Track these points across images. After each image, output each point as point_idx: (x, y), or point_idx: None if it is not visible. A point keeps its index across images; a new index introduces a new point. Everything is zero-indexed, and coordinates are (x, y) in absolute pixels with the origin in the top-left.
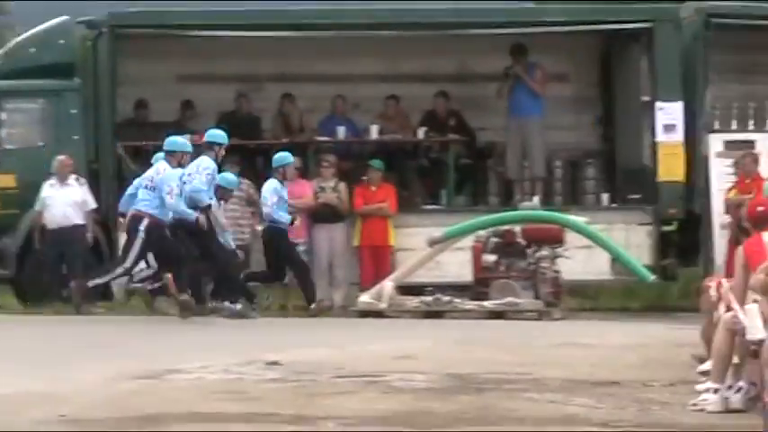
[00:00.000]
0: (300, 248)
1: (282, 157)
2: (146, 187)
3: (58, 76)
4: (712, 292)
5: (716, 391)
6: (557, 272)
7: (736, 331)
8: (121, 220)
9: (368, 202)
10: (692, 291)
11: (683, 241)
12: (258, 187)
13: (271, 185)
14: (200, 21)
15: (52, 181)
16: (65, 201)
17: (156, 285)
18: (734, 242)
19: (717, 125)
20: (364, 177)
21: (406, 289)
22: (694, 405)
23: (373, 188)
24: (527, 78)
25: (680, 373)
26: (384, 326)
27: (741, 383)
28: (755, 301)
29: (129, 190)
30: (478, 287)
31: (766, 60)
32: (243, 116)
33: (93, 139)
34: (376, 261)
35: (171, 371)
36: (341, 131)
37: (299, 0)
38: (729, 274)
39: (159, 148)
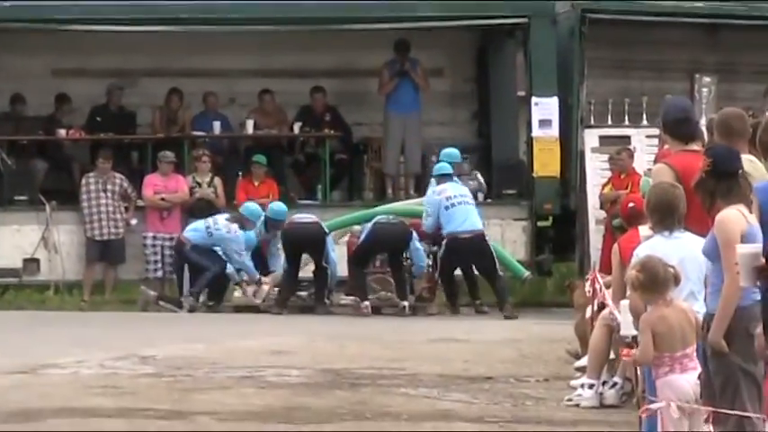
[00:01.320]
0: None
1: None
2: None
3: None
4: (587, 288)
5: (591, 386)
6: (432, 267)
7: (612, 327)
8: None
9: (251, 198)
10: (566, 287)
11: (558, 237)
12: (132, 182)
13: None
14: (74, 15)
15: None
16: None
17: None
18: (609, 238)
19: (592, 120)
20: (240, 172)
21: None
22: (569, 400)
23: (256, 183)
24: (414, 75)
25: (554, 368)
26: (259, 321)
27: (616, 379)
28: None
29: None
30: (353, 282)
31: (642, 56)
32: (115, 110)
33: None
34: (256, 255)
35: (46, 366)
36: (216, 127)
37: None
38: (604, 269)
39: (35, 143)
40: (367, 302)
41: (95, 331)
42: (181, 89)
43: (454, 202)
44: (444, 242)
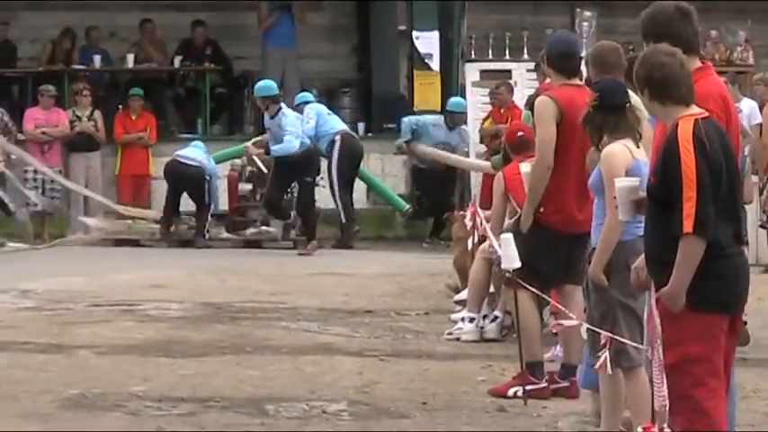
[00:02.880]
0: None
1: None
2: None
3: None
4: (467, 221)
5: (471, 320)
6: (313, 200)
7: (492, 260)
8: None
9: (128, 131)
10: (444, 220)
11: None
12: (12, 116)
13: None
14: None
15: None
16: None
17: None
18: (490, 183)
19: (473, 55)
20: (120, 106)
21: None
22: (449, 334)
23: (133, 117)
24: (297, 9)
25: (435, 302)
26: (139, 254)
27: (496, 313)
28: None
29: None
30: (234, 216)
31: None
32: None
33: None
34: (135, 189)
35: None
36: (96, 60)
37: None
38: (484, 203)
39: None
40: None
41: None
42: (72, 28)
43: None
44: (339, 139)
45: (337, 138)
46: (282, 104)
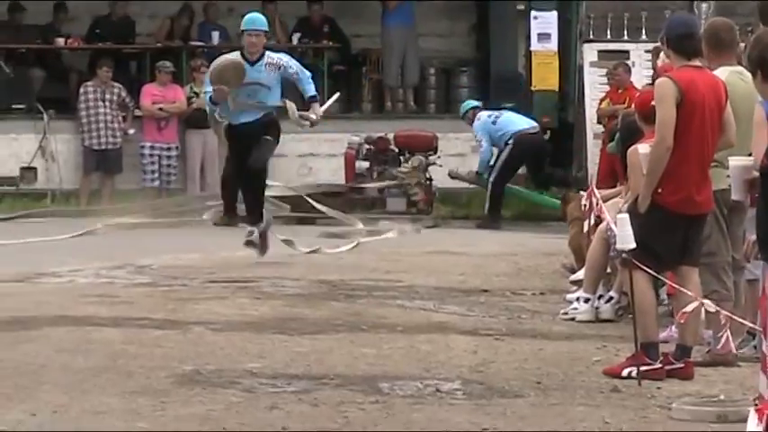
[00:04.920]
0: (173, 153)
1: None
2: None
3: None
4: (583, 202)
5: (587, 300)
6: (429, 179)
7: (609, 241)
8: None
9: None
10: (560, 199)
11: (555, 150)
12: (130, 92)
13: None
14: None
15: None
16: None
17: None
18: (606, 152)
19: (591, 35)
20: None
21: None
22: (564, 314)
23: None
24: None
25: (550, 282)
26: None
27: (612, 293)
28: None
29: None
30: (351, 194)
31: None
32: (118, 20)
33: None
34: None
35: (41, 274)
36: (215, 37)
37: None
38: (601, 183)
39: (33, 52)
40: None
41: (91, 240)
42: (190, 5)
43: (497, 114)
44: (512, 142)
45: (510, 142)
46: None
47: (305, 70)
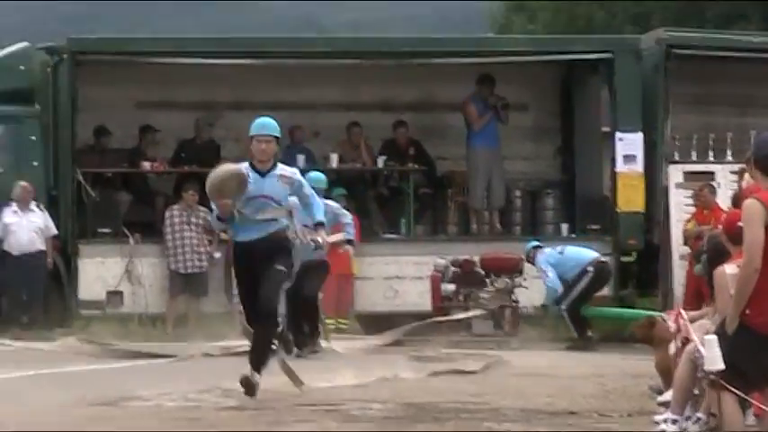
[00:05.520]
0: None
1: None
2: None
3: (18, 101)
4: (670, 324)
5: (674, 421)
6: (515, 301)
7: (697, 363)
8: None
9: (332, 231)
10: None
11: (641, 272)
12: None
13: None
14: (158, 48)
15: (14, 207)
16: (28, 227)
17: None
18: (692, 273)
19: (676, 156)
20: None
21: (370, 318)
22: None
23: None
24: (502, 112)
25: (638, 403)
26: (339, 355)
27: (699, 414)
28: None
29: None
30: (437, 314)
31: (725, 91)
32: (203, 143)
33: (52, 165)
34: (339, 289)
35: (128, 398)
36: (300, 160)
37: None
38: (688, 305)
39: (119, 175)
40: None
41: (178, 363)
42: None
43: (561, 248)
44: (593, 269)
45: (590, 268)
46: None
47: (316, 196)
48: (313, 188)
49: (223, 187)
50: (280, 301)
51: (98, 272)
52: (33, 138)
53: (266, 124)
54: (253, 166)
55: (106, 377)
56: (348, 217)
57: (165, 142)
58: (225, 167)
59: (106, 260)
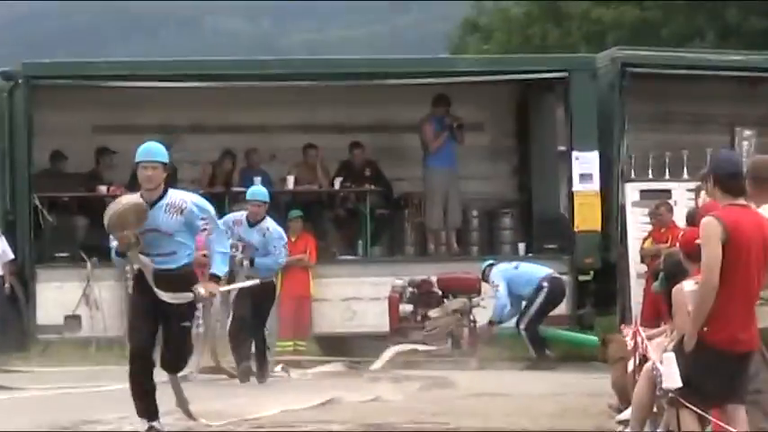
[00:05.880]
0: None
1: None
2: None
3: None
4: (628, 341)
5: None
6: (473, 321)
7: (656, 381)
8: None
9: (288, 253)
10: (600, 342)
11: (599, 290)
12: None
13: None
14: (114, 71)
15: None
16: None
17: None
18: (650, 291)
19: (633, 174)
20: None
21: (329, 339)
22: None
23: (293, 239)
24: (458, 131)
25: (597, 421)
26: (300, 377)
27: (659, 431)
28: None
29: None
30: (395, 337)
31: (682, 109)
32: None
33: (9, 190)
34: (296, 311)
35: (88, 421)
36: (256, 182)
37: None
38: (646, 322)
39: (75, 199)
40: None
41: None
42: (232, 150)
43: (517, 264)
44: (547, 284)
45: (545, 283)
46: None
47: (219, 226)
48: (255, 202)
49: (121, 220)
50: (190, 355)
51: (56, 296)
52: None
53: (151, 149)
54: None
55: (65, 401)
56: (280, 245)
57: (121, 166)
58: (124, 199)
59: (64, 284)
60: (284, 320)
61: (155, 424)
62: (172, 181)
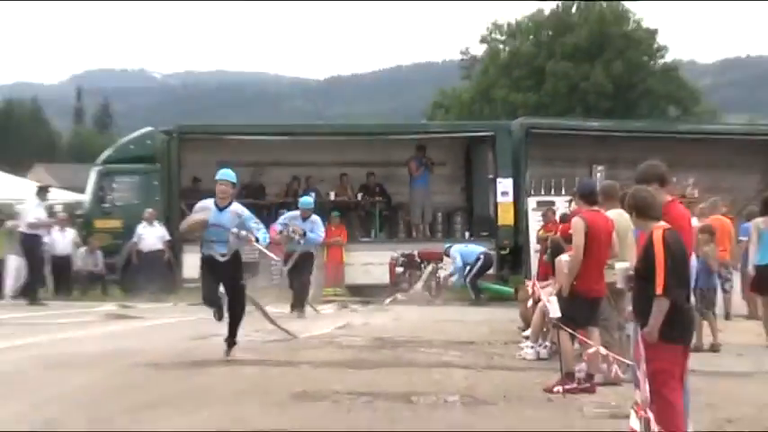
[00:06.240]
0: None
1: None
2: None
3: (147, 162)
4: (529, 289)
5: (532, 347)
6: (438, 278)
7: (545, 312)
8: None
9: (330, 237)
10: (514, 290)
11: (512, 260)
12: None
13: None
14: (230, 130)
15: (144, 224)
16: (153, 235)
17: None
18: (541, 261)
19: (532, 192)
20: (327, 222)
21: (354, 287)
22: (519, 355)
23: (333, 228)
24: (431, 166)
25: (511, 336)
26: (334, 311)
27: (547, 343)
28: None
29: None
30: (392, 287)
31: (560, 154)
32: (255, 186)
33: (167, 199)
34: (335, 270)
35: (215, 335)
36: (312, 196)
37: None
38: (539, 279)
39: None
40: None
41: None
42: (297, 176)
43: (465, 245)
44: (483, 256)
45: (481, 256)
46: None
47: (261, 227)
48: (304, 208)
49: (192, 228)
50: (245, 302)
51: (193, 261)
52: (155, 183)
53: (226, 173)
54: (215, 203)
55: (196, 323)
56: (320, 230)
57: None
58: (196, 217)
59: (197, 254)
60: (328, 277)
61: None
62: (260, 195)
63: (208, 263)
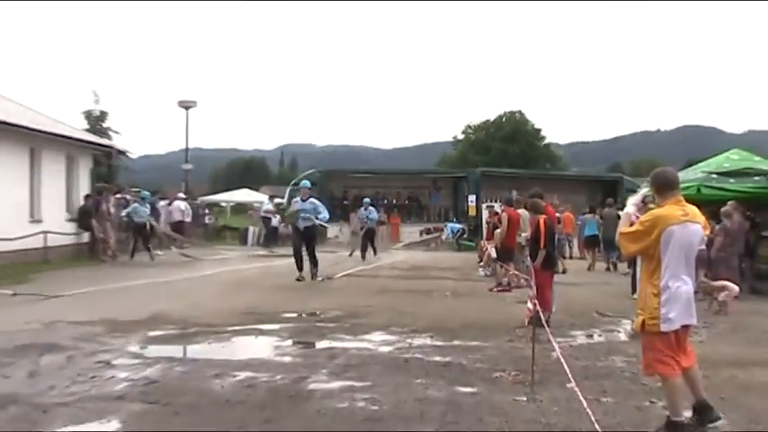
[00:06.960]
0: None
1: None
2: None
3: (313, 187)
4: (482, 244)
5: (483, 271)
6: (439, 238)
7: (491, 255)
8: None
9: (392, 221)
10: (476, 246)
11: (474, 231)
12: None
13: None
14: (356, 173)
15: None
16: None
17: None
18: (489, 231)
19: (484, 201)
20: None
21: (405, 245)
22: (478, 274)
23: (394, 216)
24: (440, 191)
25: (474, 266)
26: (383, 256)
27: (489, 269)
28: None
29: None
30: (419, 244)
31: (499, 184)
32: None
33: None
34: (396, 237)
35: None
36: (369, 200)
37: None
38: (486, 240)
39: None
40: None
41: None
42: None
43: (454, 222)
44: (463, 228)
45: (461, 228)
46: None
47: (326, 212)
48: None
49: (291, 216)
50: (316, 257)
51: (333, 232)
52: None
53: (305, 183)
54: (301, 198)
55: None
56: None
57: (355, 200)
58: (291, 209)
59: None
60: (393, 239)
61: (300, 275)
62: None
63: (296, 231)
